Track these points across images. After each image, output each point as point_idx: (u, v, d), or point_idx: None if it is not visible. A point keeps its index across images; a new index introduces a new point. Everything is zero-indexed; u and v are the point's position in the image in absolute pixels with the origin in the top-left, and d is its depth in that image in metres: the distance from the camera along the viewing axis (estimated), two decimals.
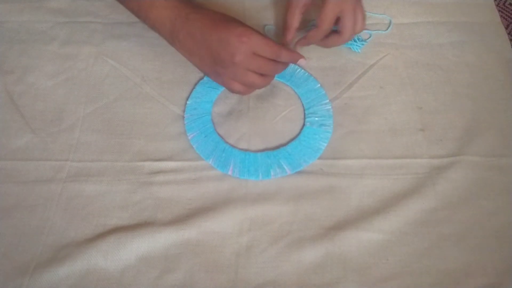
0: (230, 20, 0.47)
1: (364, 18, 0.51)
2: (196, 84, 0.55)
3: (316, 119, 0.52)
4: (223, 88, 0.53)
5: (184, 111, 0.53)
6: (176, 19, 0.48)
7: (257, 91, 0.55)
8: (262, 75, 0.47)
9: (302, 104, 0.54)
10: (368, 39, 0.59)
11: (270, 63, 0.46)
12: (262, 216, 0.47)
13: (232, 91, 0.49)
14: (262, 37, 0.45)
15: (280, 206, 0.47)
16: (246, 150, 0.51)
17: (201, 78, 0.56)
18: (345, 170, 0.50)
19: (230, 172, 0.49)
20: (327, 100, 0.54)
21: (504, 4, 0.77)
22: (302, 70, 0.56)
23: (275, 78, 0.55)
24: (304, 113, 0.53)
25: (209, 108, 0.53)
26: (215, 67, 0.47)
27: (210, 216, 0.46)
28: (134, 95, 0.55)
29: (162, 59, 0.57)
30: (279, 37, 0.58)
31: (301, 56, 0.48)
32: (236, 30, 0.44)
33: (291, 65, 0.56)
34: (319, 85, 0.55)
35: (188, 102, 0.54)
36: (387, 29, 0.60)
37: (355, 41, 0.58)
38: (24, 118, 0.53)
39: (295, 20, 0.53)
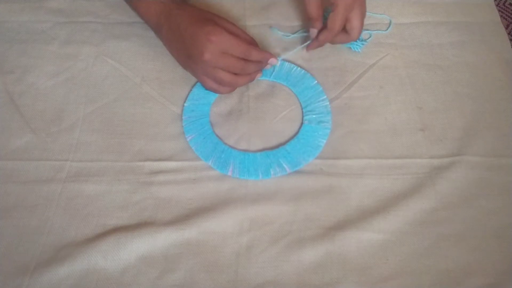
0: (206, 18, 0.48)
1: (364, 16, 0.53)
2: (193, 86, 0.55)
3: (314, 116, 0.52)
4: None
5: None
6: (161, 13, 0.51)
7: (257, 91, 0.55)
8: (235, 73, 0.48)
9: (300, 103, 0.54)
10: (368, 39, 0.59)
11: (240, 62, 0.47)
12: (262, 216, 0.47)
13: (205, 87, 0.51)
14: (231, 37, 0.46)
15: (280, 206, 0.47)
16: (245, 150, 0.51)
17: None
18: (345, 170, 0.50)
19: (230, 173, 0.49)
20: (325, 97, 0.54)
21: (504, 4, 0.77)
22: (298, 68, 0.56)
23: (271, 78, 0.55)
24: (302, 112, 0.53)
25: (207, 110, 0.53)
26: (188, 62, 0.49)
27: (210, 216, 0.46)
28: (134, 95, 0.55)
29: (162, 59, 0.57)
30: (279, 38, 0.58)
31: (272, 56, 0.50)
32: (206, 29, 0.46)
33: (287, 64, 0.56)
34: (316, 82, 0.55)
35: (185, 104, 0.53)
36: (387, 29, 0.60)
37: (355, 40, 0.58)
38: (24, 118, 0.53)
39: (317, 9, 0.52)
